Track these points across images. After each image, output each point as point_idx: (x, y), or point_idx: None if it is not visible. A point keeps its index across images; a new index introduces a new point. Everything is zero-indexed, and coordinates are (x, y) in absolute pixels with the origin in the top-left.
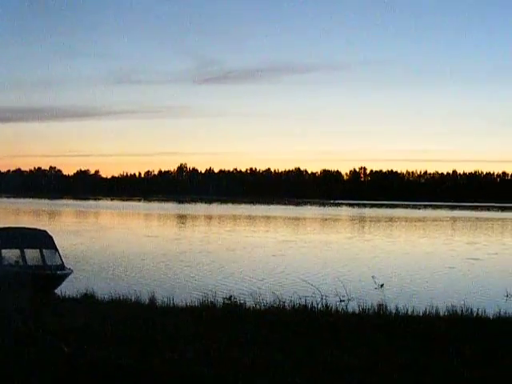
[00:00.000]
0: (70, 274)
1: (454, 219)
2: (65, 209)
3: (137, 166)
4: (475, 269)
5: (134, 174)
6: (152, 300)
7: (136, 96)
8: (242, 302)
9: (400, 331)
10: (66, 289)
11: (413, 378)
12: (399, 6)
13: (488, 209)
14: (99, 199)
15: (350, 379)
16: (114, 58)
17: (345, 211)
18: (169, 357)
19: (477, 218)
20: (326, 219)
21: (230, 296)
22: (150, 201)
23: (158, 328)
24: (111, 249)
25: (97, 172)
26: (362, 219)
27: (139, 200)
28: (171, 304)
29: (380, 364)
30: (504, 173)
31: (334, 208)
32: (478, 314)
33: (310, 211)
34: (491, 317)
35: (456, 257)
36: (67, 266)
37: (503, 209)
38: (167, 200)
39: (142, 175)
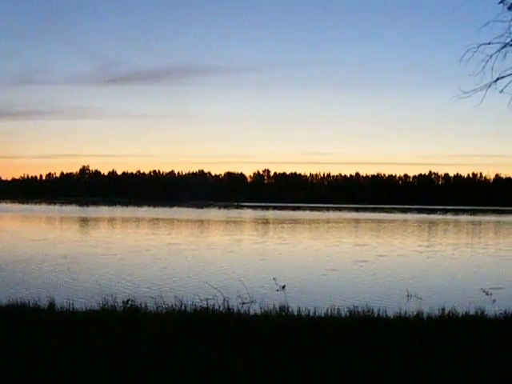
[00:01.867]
0: None
1: (357, 221)
2: None
3: (38, 168)
4: (371, 270)
5: (36, 177)
6: (51, 305)
7: (37, 96)
8: (143, 305)
9: (302, 332)
10: None
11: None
12: (297, 8)
13: (390, 211)
14: None
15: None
16: (15, 58)
17: (247, 213)
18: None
19: (379, 220)
20: (228, 221)
21: (128, 300)
22: (50, 203)
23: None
24: (5, 253)
25: None
26: (263, 221)
27: (39, 203)
28: (71, 308)
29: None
30: (406, 175)
31: (237, 210)
32: (379, 314)
33: (213, 214)
34: (392, 317)
35: (349, 258)
36: None
37: (405, 210)
38: (69, 203)
39: (44, 177)
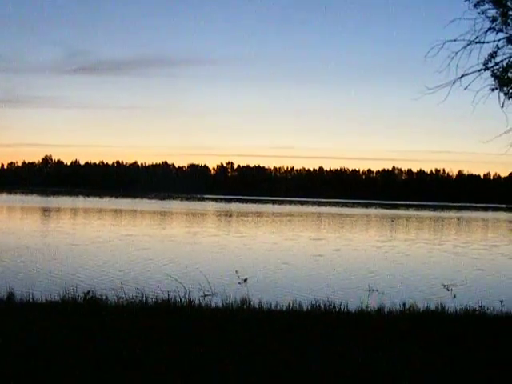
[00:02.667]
0: None
1: (318, 215)
2: None
3: (0, 158)
4: (331, 264)
5: None
6: (10, 295)
7: (1, 85)
8: (104, 296)
9: (264, 325)
10: None
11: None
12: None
13: (353, 206)
14: None
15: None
16: None
17: (209, 206)
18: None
19: (340, 215)
20: (189, 214)
21: (89, 291)
22: (11, 193)
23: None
24: None
25: None
26: (224, 214)
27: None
28: (31, 300)
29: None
30: (369, 170)
31: (200, 203)
32: (340, 308)
33: (175, 205)
34: (353, 311)
35: (307, 252)
36: None
37: (367, 205)
38: (30, 192)
39: (5, 167)
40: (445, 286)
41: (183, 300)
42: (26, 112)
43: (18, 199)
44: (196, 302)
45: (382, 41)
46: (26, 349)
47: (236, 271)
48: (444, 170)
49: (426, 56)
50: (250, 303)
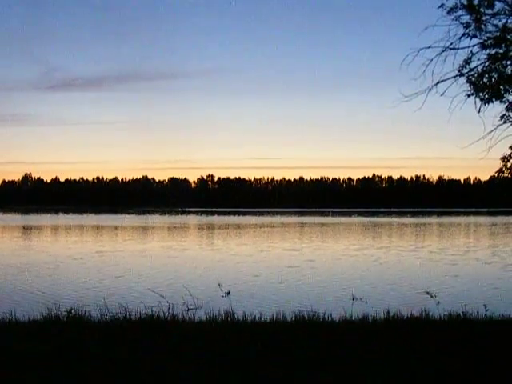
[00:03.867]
0: None
1: (300, 225)
2: None
3: None
4: (312, 273)
5: None
6: None
7: None
8: (86, 314)
9: (248, 338)
10: None
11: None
12: (244, 13)
13: (334, 214)
14: None
15: None
16: None
17: (190, 219)
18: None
19: (321, 224)
20: (167, 228)
21: (71, 308)
22: None
23: None
24: None
25: None
26: (204, 227)
27: None
28: (13, 319)
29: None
30: (350, 178)
31: (180, 216)
32: (324, 318)
33: (155, 220)
34: (337, 320)
35: (287, 263)
36: None
37: (348, 214)
38: (10, 211)
39: None
40: (428, 292)
41: (167, 315)
42: (4, 130)
43: None
44: (180, 316)
45: (357, 48)
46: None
47: (219, 284)
48: (424, 176)
49: (402, 63)
50: (233, 315)
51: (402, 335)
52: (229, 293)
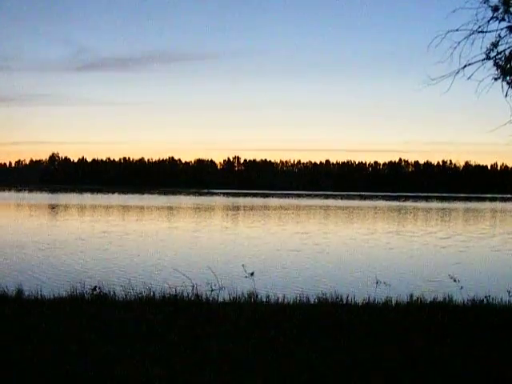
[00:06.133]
0: None
1: (326, 208)
2: None
3: (7, 156)
4: (338, 257)
5: (5, 164)
6: (19, 293)
7: (7, 83)
8: (111, 292)
9: (270, 318)
10: None
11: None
12: None
13: (358, 198)
14: None
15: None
16: None
17: (216, 200)
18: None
19: (346, 207)
20: (196, 208)
21: (96, 286)
22: (19, 191)
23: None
24: None
25: None
26: (232, 208)
27: (7, 190)
28: (39, 296)
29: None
30: (376, 162)
31: (206, 197)
32: (348, 300)
33: (180, 201)
34: (360, 303)
35: (311, 246)
36: None
37: (374, 198)
38: (38, 190)
39: (13, 165)
40: (451, 277)
41: (190, 295)
42: (33, 110)
43: (25, 197)
44: (203, 296)
45: (384, 31)
46: (35, 346)
47: (243, 265)
48: (451, 161)
49: (429, 46)
50: (257, 297)
51: (424, 319)
52: (252, 274)
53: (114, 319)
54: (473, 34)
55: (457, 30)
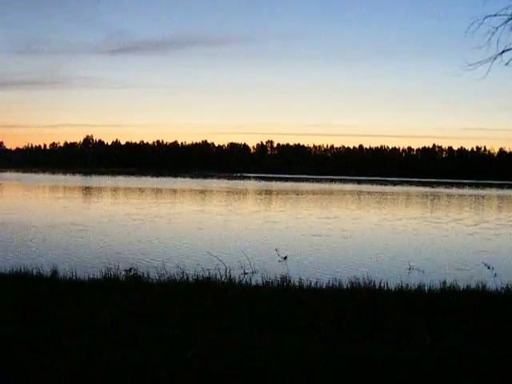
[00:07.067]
0: None
1: (358, 193)
2: None
3: (42, 138)
4: (369, 241)
5: (40, 146)
6: (54, 273)
7: (41, 66)
8: (145, 274)
9: (302, 303)
10: None
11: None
12: None
13: (391, 183)
14: (3, 171)
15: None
16: (20, 28)
17: (250, 184)
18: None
19: (379, 192)
20: (229, 192)
21: (131, 268)
22: (54, 173)
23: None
24: (10, 222)
25: (1, 143)
26: (265, 192)
27: (43, 172)
28: (74, 277)
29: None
30: (409, 148)
31: (239, 181)
32: (380, 286)
33: (213, 184)
34: (393, 289)
35: (344, 230)
36: None
37: (407, 183)
38: (72, 172)
39: (48, 147)
40: (485, 264)
41: (224, 278)
42: (67, 93)
43: (59, 179)
44: (236, 279)
45: (420, 16)
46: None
47: (276, 249)
48: (485, 147)
49: (466, 31)
50: (290, 281)
51: (457, 307)
52: (286, 258)
53: (150, 303)
54: (511, 19)
55: (495, 15)
